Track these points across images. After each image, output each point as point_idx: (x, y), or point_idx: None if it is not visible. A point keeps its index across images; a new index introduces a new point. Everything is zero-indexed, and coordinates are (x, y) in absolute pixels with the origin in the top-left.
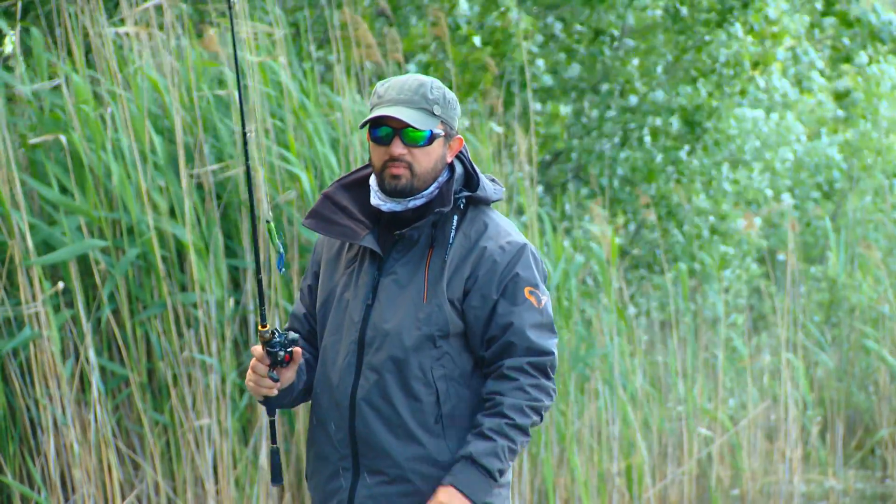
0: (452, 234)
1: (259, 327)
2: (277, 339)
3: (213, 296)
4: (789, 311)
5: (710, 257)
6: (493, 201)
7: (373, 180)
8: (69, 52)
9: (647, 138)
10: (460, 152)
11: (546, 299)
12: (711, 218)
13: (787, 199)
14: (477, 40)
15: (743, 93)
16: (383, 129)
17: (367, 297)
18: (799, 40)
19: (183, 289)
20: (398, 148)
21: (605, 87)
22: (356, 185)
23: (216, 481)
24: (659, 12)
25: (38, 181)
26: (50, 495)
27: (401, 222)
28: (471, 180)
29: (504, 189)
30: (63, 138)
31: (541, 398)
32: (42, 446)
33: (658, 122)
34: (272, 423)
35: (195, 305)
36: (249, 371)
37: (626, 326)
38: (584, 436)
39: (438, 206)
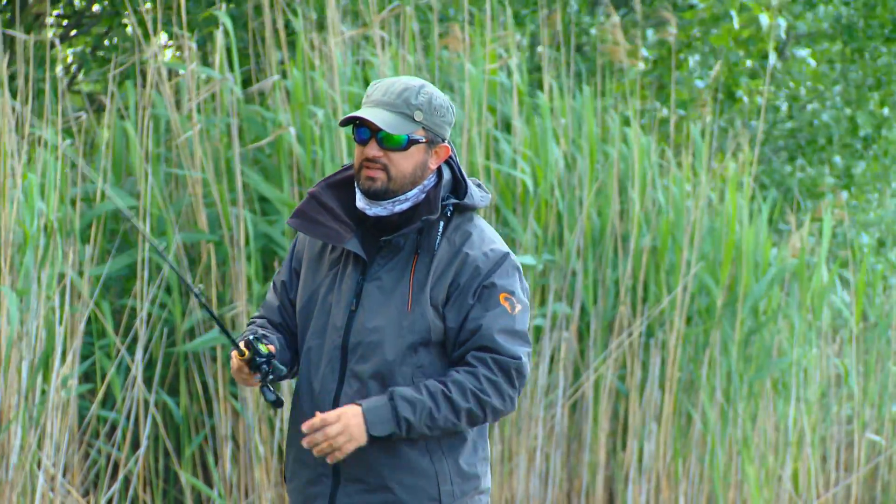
0: (438, 241)
1: (237, 357)
2: (258, 360)
3: None
4: None
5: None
6: (479, 208)
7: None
8: (261, 49)
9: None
10: (449, 157)
11: (521, 308)
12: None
13: None
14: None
15: None
16: (364, 130)
17: (350, 302)
18: None
19: None
20: (373, 150)
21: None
22: (342, 186)
23: None
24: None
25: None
26: (227, 496)
27: (386, 226)
28: (458, 187)
29: (491, 196)
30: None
31: (490, 394)
32: (220, 447)
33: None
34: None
35: None
36: (235, 372)
37: (813, 334)
38: (754, 439)
39: (426, 213)
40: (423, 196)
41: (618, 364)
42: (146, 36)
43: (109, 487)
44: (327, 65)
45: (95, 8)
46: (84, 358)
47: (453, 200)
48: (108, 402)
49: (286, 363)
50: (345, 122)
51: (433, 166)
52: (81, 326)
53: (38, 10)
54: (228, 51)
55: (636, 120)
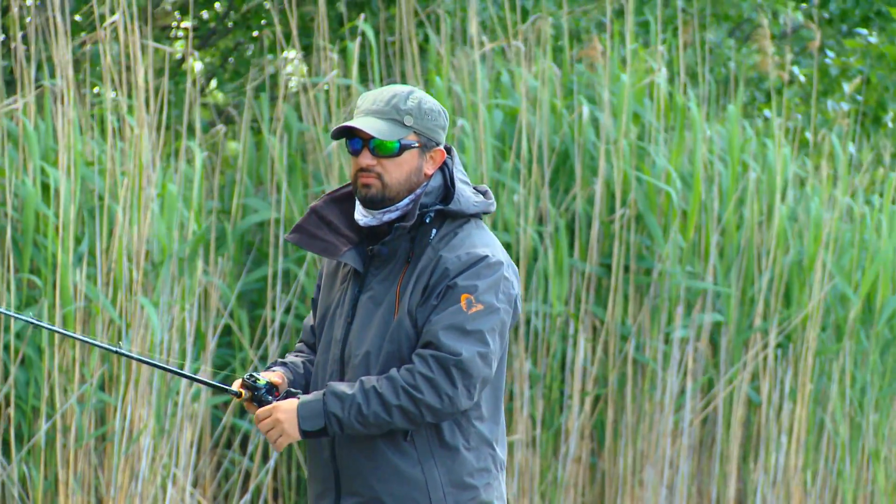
0: (425, 249)
1: (237, 398)
2: (258, 393)
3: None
4: None
5: None
6: (470, 214)
7: None
8: (393, 61)
9: None
10: (444, 164)
11: (482, 308)
12: None
13: None
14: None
15: None
16: (357, 141)
17: (348, 314)
18: None
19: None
20: (366, 159)
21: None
22: (346, 199)
23: (520, 496)
24: None
25: None
26: None
27: (378, 237)
28: (449, 194)
29: (493, 202)
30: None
31: (423, 391)
32: None
33: None
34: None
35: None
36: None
37: None
38: (884, 451)
39: (405, 221)
40: (412, 205)
41: (750, 375)
42: (285, 45)
43: (240, 498)
44: (470, 78)
45: (229, 21)
46: (221, 368)
47: (437, 207)
48: (244, 412)
49: (302, 387)
50: (337, 135)
51: (429, 171)
52: (215, 338)
53: (163, 23)
54: (369, 63)
55: (782, 134)
